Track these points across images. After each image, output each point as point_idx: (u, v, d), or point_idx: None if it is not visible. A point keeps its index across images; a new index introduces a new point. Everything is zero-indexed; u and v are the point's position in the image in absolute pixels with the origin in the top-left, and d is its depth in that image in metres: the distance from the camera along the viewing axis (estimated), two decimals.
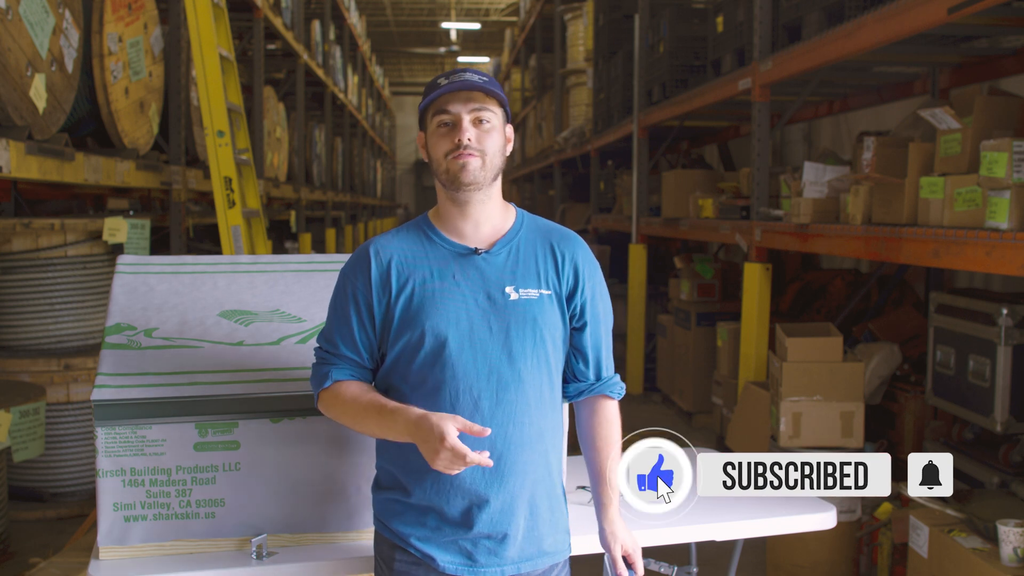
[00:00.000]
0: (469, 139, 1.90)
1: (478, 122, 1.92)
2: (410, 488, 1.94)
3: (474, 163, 1.91)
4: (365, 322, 1.95)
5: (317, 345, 2.03)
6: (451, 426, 1.75)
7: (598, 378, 2.05)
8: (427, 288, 1.93)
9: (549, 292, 1.96)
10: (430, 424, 1.77)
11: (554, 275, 1.98)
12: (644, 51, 7.39)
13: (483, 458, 1.75)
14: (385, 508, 2.00)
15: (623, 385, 2.09)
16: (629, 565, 2.01)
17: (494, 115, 1.94)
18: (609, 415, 2.06)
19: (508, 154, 2.02)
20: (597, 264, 2.06)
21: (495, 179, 1.97)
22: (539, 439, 1.95)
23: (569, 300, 1.99)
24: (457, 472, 1.79)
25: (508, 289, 1.94)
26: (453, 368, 1.89)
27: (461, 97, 1.91)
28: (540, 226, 2.05)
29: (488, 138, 1.92)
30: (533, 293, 1.95)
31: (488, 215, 1.99)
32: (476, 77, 1.93)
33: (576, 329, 2.01)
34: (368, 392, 1.94)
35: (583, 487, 2.67)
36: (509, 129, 2.01)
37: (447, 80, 1.92)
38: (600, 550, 2.42)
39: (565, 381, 2.06)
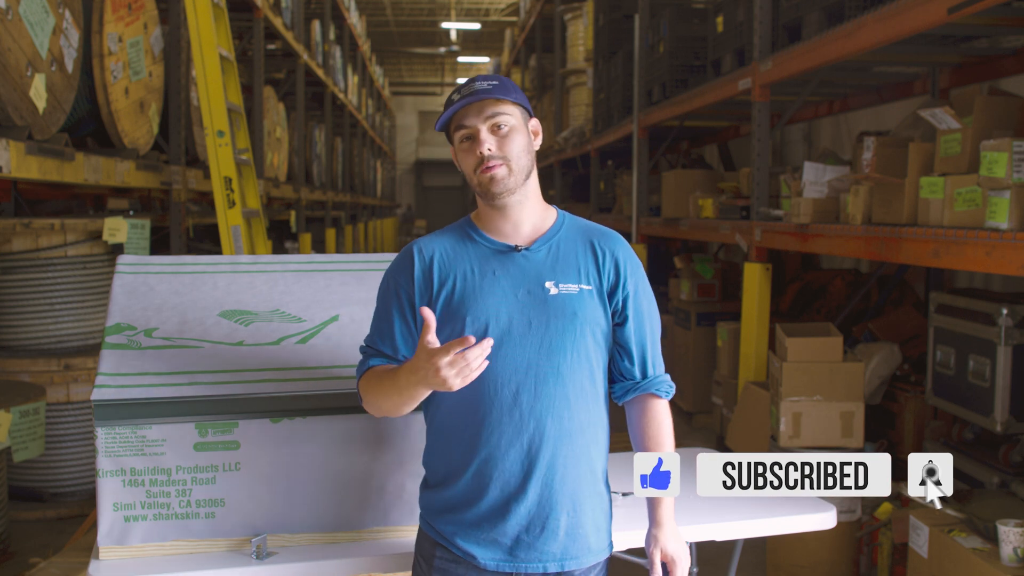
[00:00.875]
0: (489, 149, 1.92)
1: (496, 128, 1.94)
2: (451, 483, 1.96)
3: (500, 172, 1.93)
4: (408, 318, 1.98)
5: (363, 344, 2.06)
6: (428, 335, 1.76)
7: (644, 376, 2.04)
8: (468, 283, 1.95)
9: (590, 287, 1.98)
10: (416, 354, 1.79)
11: (595, 271, 1.99)
12: (644, 51, 7.39)
13: (482, 345, 1.75)
14: (430, 505, 2.02)
15: (672, 384, 2.08)
16: (668, 572, 2.01)
17: (510, 117, 1.95)
18: (658, 414, 2.05)
19: (538, 147, 2.04)
20: (639, 262, 2.07)
21: (527, 178, 1.99)
22: (580, 434, 1.95)
23: (611, 296, 2.00)
24: (471, 376, 1.75)
25: (548, 284, 1.96)
26: (492, 362, 1.89)
27: (474, 109, 1.94)
28: (581, 225, 2.07)
29: (508, 142, 1.94)
30: (573, 288, 1.96)
31: (527, 215, 2.01)
32: (486, 84, 1.94)
33: (619, 325, 2.02)
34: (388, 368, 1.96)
35: None
36: (534, 122, 2.03)
37: (459, 95, 1.95)
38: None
39: (612, 381, 2.06)
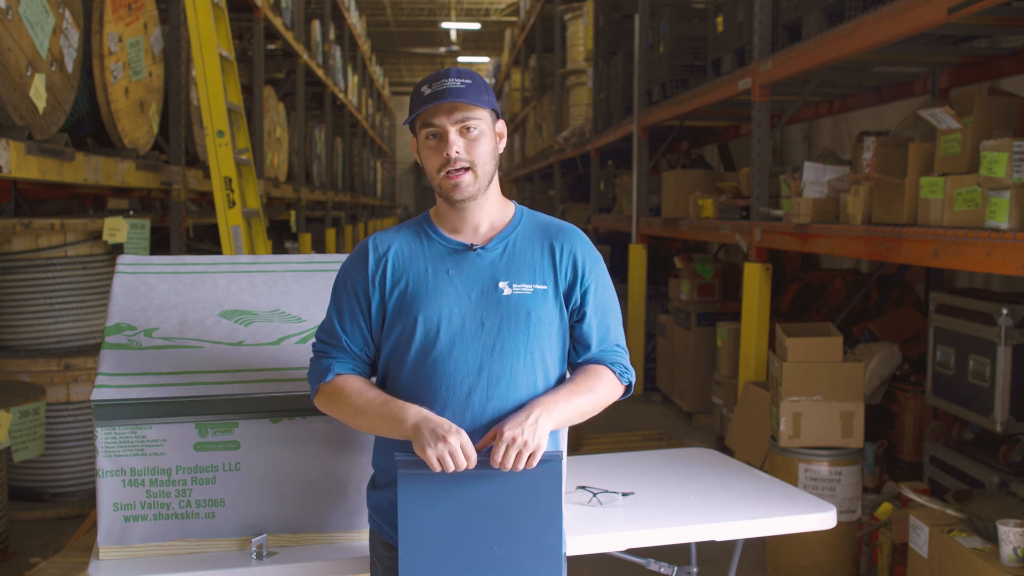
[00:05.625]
0: (457, 152, 1.90)
1: (465, 131, 1.91)
2: None
3: (465, 179, 1.92)
4: (365, 313, 1.97)
5: (315, 339, 2.04)
6: (464, 434, 1.80)
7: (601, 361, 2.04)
8: (421, 282, 1.94)
9: (545, 287, 1.96)
10: (440, 421, 1.81)
11: (551, 270, 1.98)
12: (644, 51, 7.39)
13: (467, 463, 1.80)
14: (380, 507, 2.01)
15: (630, 370, 2.05)
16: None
17: (480, 120, 1.92)
18: (596, 372, 2.00)
19: (501, 151, 2.02)
20: (598, 256, 2.05)
21: (490, 184, 1.97)
22: None
23: (568, 295, 1.99)
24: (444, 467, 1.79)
25: (502, 284, 1.94)
26: (444, 362, 1.90)
27: (444, 109, 1.90)
28: (539, 222, 2.05)
29: (476, 146, 1.92)
30: (527, 288, 1.94)
31: (486, 213, 2.00)
32: (458, 83, 1.90)
33: (578, 322, 2.01)
34: (371, 388, 1.95)
35: (583, 487, 2.67)
36: (500, 125, 2.00)
37: (429, 89, 1.90)
38: (600, 550, 2.43)
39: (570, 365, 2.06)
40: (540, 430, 1.82)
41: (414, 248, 1.99)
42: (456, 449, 1.77)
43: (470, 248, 1.97)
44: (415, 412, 1.84)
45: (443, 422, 1.81)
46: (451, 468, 1.77)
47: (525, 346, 1.92)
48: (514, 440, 1.80)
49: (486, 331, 1.91)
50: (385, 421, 1.88)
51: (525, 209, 2.08)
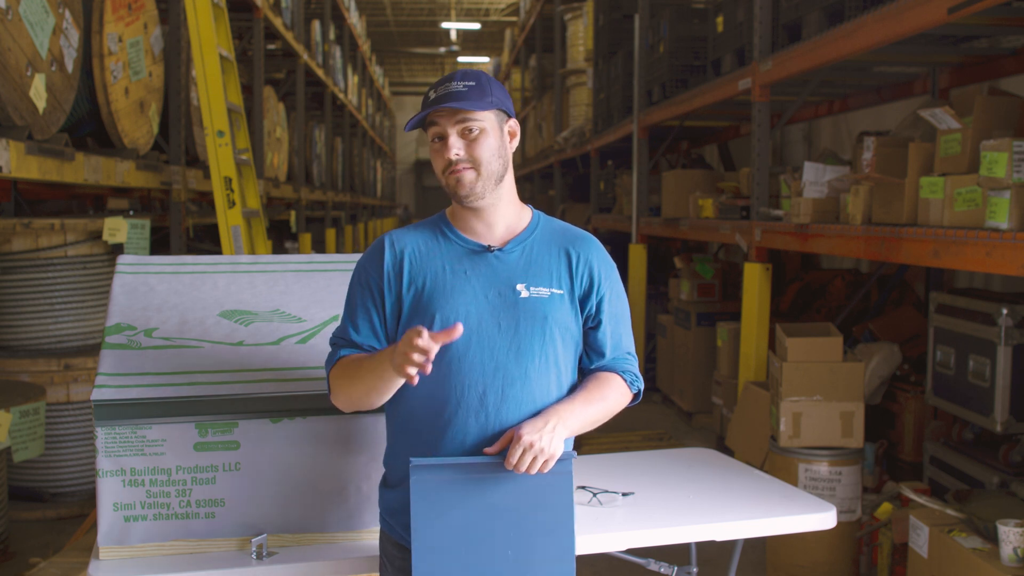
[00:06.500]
0: (457, 154, 1.91)
1: (466, 132, 1.92)
2: None
3: (468, 176, 1.92)
4: (379, 307, 1.98)
5: (330, 340, 2.04)
6: (413, 332, 1.72)
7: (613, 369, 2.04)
8: (438, 282, 1.94)
9: (561, 292, 1.97)
10: (400, 344, 1.76)
11: (567, 276, 1.99)
12: (644, 51, 7.39)
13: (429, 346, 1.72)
14: (391, 507, 2.01)
15: (639, 377, 2.06)
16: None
17: (481, 122, 1.92)
18: (607, 377, 2.01)
19: (513, 150, 2.02)
20: (613, 265, 2.06)
21: (499, 182, 1.96)
22: None
23: (584, 301, 2.00)
24: (417, 364, 1.71)
25: (519, 287, 1.95)
26: (459, 362, 1.90)
27: (445, 112, 1.91)
28: (556, 228, 2.06)
29: (478, 147, 1.92)
30: (544, 292, 1.95)
31: (501, 215, 2.00)
32: (461, 86, 1.91)
33: (592, 328, 2.02)
34: (361, 357, 1.94)
35: (583, 487, 2.67)
36: (511, 123, 2.00)
37: (435, 93, 1.93)
38: (600, 550, 2.43)
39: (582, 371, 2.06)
40: (556, 438, 1.84)
41: (431, 247, 1.99)
42: (410, 352, 1.70)
43: (487, 249, 1.97)
44: (387, 350, 1.82)
45: (400, 345, 1.74)
46: (424, 366, 1.71)
47: (541, 348, 1.93)
48: (531, 445, 1.81)
49: (502, 332, 1.92)
50: (371, 375, 1.86)
51: (542, 214, 2.09)
